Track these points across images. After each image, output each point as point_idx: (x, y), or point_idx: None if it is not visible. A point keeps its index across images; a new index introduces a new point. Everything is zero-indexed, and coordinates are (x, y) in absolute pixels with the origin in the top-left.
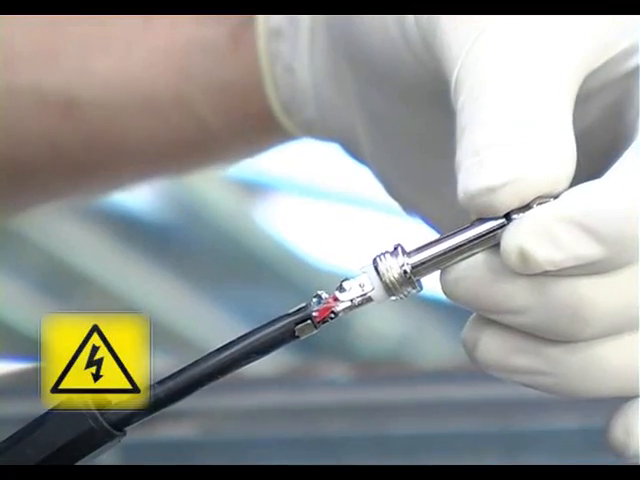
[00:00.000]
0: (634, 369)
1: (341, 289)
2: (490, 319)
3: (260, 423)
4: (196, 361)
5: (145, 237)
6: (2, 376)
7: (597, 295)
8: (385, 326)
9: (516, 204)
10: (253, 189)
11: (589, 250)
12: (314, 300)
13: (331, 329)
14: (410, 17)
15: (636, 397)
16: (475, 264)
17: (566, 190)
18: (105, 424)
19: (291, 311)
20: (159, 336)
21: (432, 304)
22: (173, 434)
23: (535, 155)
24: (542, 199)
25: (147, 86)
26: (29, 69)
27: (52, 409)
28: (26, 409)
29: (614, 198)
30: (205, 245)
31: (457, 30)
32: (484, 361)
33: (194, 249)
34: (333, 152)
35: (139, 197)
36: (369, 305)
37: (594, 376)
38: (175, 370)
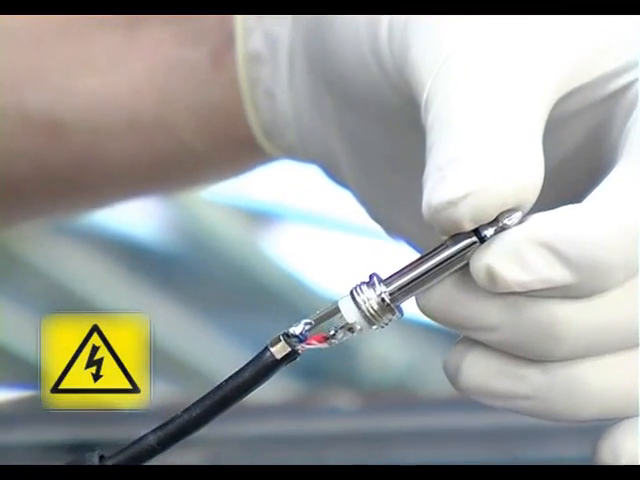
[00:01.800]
0: (617, 391)
1: (329, 334)
2: (471, 345)
3: (265, 451)
4: (187, 408)
5: (151, 265)
6: (3, 403)
7: (570, 315)
8: (391, 354)
9: (479, 216)
10: (260, 218)
11: (559, 275)
12: (293, 340)
13: (337, 357)
14: (385, 44)
15: (622, 419)
16: (449, 280)
17: (534, 212)
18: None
19: (277, 357)
20: (164, 365)
21: (437, 333)
22: (178, 462)
23: (497, 166)
24: (510, 213)
25: (130, 107)
26: (14, 88)
27: None
28: (28, 437)
29: (589, 224)
30: (211, 274)
31: (425, 54)
32: (467, 387)
33: (200, 278)
34: (329, 180)
35: (145, 225)
36: (375, 333)
37: (576, 399)
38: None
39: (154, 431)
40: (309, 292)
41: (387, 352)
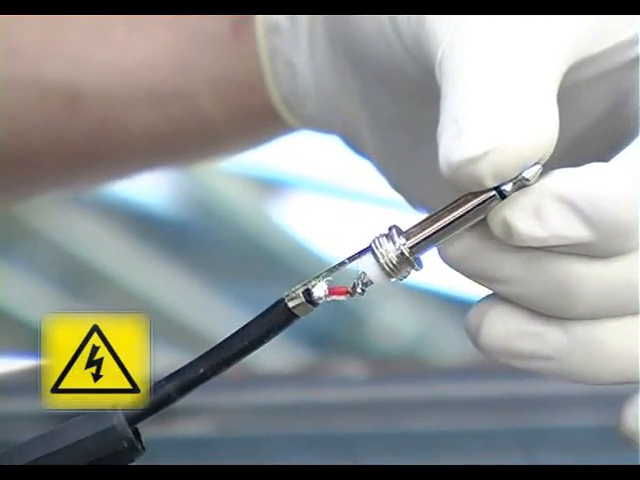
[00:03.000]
0: (636, 353)
1: (350, 288)
2: (492, 303)
3: (275, 420)
4: (201, 356)
5: (161, 234)
6: (17, 372)
7: (586, 273)
8: (400, 323)
9: (500, 173)
10: (269, 187)
11: (576, 232)
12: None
13: (346, 326)
14: (403, 17)
15: None
16: (469, 231)
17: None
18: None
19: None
20: (175, 333)
21: (447, 301)
22: (189, 431)
23: (515, 122)
24: (529, 167)
25: (148, 77)
26: (30, 59)
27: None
28: (34, 406)
29: (611, 183)
30: (221, 242)
31: (441, 20)
32: (488, 346)
33: (210, 246)
34: (351, 151)
35: (155, 194)
36: (384, 302)
37: (596, 359)
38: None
39: (169, 378)
40: (318, 260)
41: (396, 321)
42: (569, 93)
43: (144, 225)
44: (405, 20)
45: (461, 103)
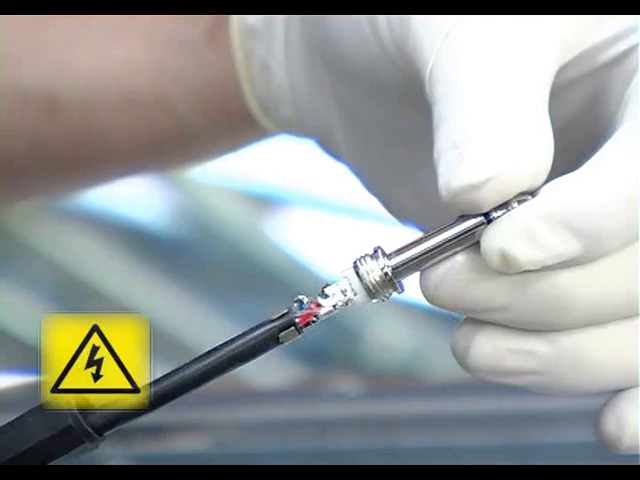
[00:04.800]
0: (623, 360)
1: (323, 295)
2: (478, 326)
3: (270, 436)
4: (179, 367)
5: (156, 250)
6: (9, 389)
7: (575, 285)
8: (395, 339)
9: (499, 201)
10: (264, 203)
11: (570, 247)
12: (295, 305)
13: (341, 342)
14: (382, 18)
15: (628, 388)
16: (452, 266)
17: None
18: (85, 425)
19: (273, 317)
20: (169, 349)
21: (442, 317)
22: (183, 447)
23: (515, 149)
24: (523, 196)
25: (127, 83)
26: (10, 66)
27: (34, 408)
28: None
29: (593, 192)
30: (216, 258)
31: (429, 25)
32: (477, 367)
33: (205, 262)
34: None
35: (150, 211)
36: (380, 318)
37: (583, 369)
38: (159, 376)
39: (153, 383)
40: (312, 276)
41: (392, 336)
42: (550, 93)
43: (139, 241)
44: (386, 24)
45: (459, 126)
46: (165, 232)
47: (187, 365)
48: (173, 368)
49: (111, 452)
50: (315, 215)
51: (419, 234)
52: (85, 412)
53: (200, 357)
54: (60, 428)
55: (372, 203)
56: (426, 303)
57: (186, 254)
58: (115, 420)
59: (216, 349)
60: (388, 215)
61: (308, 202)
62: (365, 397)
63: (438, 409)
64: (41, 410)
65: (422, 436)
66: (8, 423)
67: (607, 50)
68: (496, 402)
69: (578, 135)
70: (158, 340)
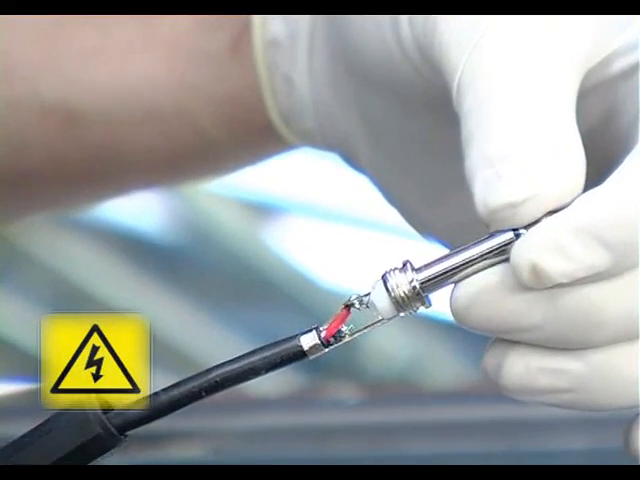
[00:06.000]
0: None
1: (351, 306)
2: (508, 345)
3: (268, 444)
4: (201, 372)
5: (155, 258)
6: (7, 397)
7: (604, 300)
8: (394, 347)
9: (534, 218)
10: (263, 211)
11: (600, 259)
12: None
13: (339, 350)
14: (405, 24)
15: None
16: (483, 288)
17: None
18: (112, 429)
19: (302, 332)
20: (167, 357)
21: (441, 325)
22: (182, 455)
23: (552, 168)
24: (551, 212)
25: (148, 96)
26: (29, 78)
27: (58, 412)
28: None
29: (620, 204)
30: (215, 267)
31: (455, 34)
32: (509, 387)
33: (203, 271)
34: (346, 174)
35: (149, 218)
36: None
37: (614, 385)
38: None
39: (166, 390)
40: (312, 285)
41: (390, 344)
42: None
43: (137, 249)
44: (409, 31)
45: (494, 143)
46: (164, 240)
47: (209, 370)
48: (172, 375)
49: (108, 460)
50: (314, 224)
51: (431, 245)
52: (107, 412)
53: (224, 363)
54: (90, 434)
55: (373, 212)
56: (423, 311)
57: (185, 262)
58: (138, 420)
59: (242, 356)
60: (390, 224)
61: (307, 211)
62: (364, 405)
63: (437, 417)
64: (66, 415)
65: (421, 443)
66: (31, 431)
67: (624, 58)
68: (495, 409)
69: (597, 145)
70: (157, 347)
